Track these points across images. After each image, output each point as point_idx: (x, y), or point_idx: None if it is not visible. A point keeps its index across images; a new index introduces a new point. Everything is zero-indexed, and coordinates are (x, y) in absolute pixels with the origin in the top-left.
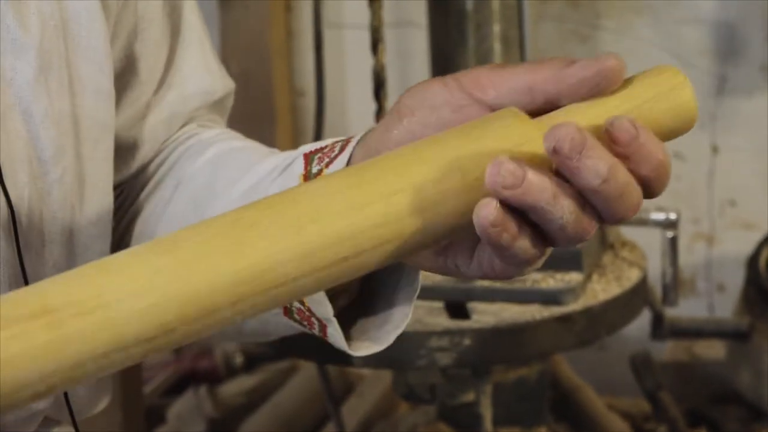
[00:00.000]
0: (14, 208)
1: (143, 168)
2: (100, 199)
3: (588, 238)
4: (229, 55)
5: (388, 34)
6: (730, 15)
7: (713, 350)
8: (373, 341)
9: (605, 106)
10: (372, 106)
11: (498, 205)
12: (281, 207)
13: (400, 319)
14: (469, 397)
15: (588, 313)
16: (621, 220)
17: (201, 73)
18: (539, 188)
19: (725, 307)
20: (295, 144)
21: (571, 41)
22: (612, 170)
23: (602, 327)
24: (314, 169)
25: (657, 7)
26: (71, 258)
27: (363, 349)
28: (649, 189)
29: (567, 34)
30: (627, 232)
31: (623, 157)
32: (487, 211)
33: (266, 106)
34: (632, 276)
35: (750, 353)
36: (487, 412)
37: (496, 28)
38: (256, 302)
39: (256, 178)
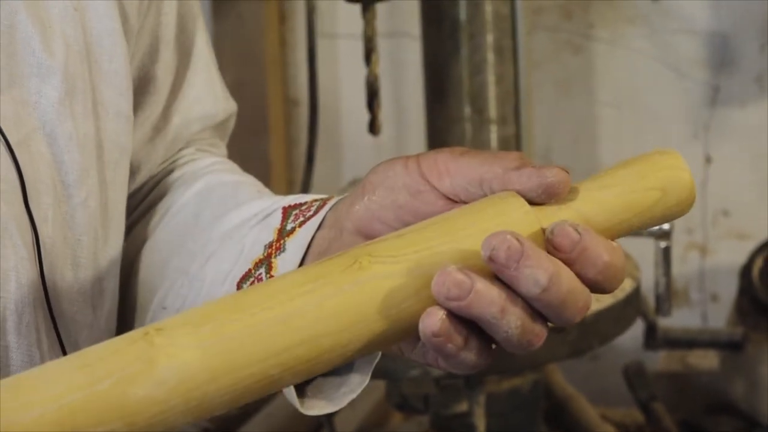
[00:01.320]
0: (38, 231)
1: (137, 190)
2: (119, 223)
3: (538, 345)
4: (223, 64)
5: (382, 44)
6: (724, 26)
7: (707, 360)
8: (328, 401)
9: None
10: (365, 116)
11: (444, 315)
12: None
13: (357, 383)
14: (463, 407)
15: (581, 323)
16: (568, 323)
17: (206, 97)
18: (486, 301)
19: (719, 317)
20: (288, 154)
21: (564, 51)
22: (553, 278)
23: (595, 337)
24: (289, 226)
25: (651, 17)
26: (97, 283)
27: (317, 408)
28: (599, 289)
29: (560, 44)
30: (620, 241)
31: (568, 262)
32: (431, 321)
33: (260, 115)
34: (625, 286)
35: (744, 364)
36: (480, 423)
37: (490, 38)
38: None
39: (237, 220)
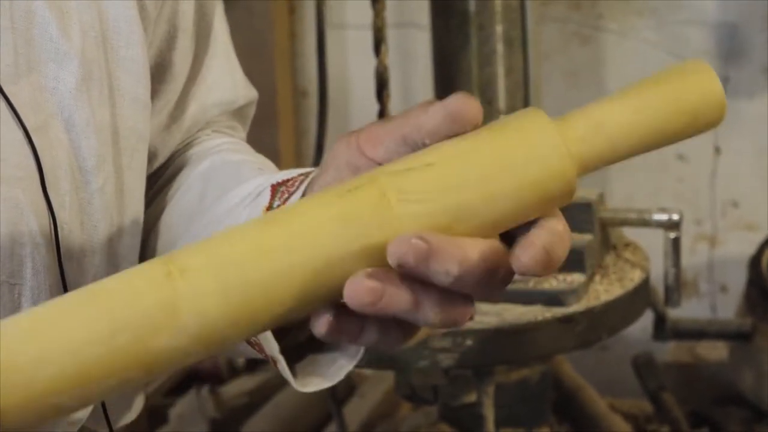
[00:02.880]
0: (56, 217)
1: (154, 172)
2: (136, 209)
3: (466, 321)
4: None
5: (391, 35)
6: (732, 17)
7: (716, 351)
8: (323, 377)
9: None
10: (375, 106)
11: (331, 316)
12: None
13: (353, 354)
14: (471, 398)
15: (590, 314)
16: (491, 298)
17: (225, 83)
18: (398, 300)
19: (728, 308)
20: (297, 145)
21: (573, 42)
22: (463, 264)
23: (604, 328)
24: (276, 204)
25: (659, 8)
26: (111, 269)
27: (312, 385)
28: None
29: (569, 35)
30: (629, 233)
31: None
32: (321, 322)
33: (269, 107)
34: (634, 277)
35: (752, 354)
36: (489, 413)
37: (499, 29)
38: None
39: (236, 199)
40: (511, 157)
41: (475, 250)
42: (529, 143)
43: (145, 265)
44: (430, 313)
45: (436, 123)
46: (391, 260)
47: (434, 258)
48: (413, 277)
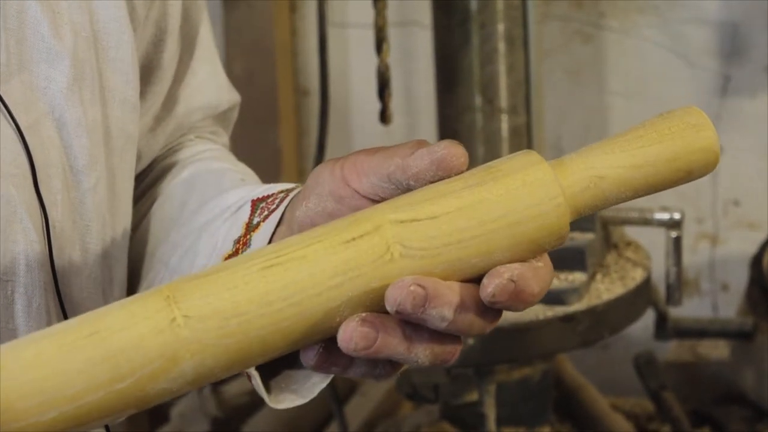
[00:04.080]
0: (48, 215)
1: (138, 175)
2: (126, 210)
3: (453, 359)
4: (233, 54)
5: (393, 34)
6: (734, 15)
7: (717, 350)
8: (296, 394)
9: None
10: (376, 105)
11: (319, 349)
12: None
13: (325, 376)
14: (473, 396)
15: (592, 312)
16: (479, 334)
17: (209, 87)
18: (391, 344)
19: (729, 307)
20: (299, 143)
21: (575, 41)
22: (458, 308)
23: (606, 327)
24: (255, 220)
25: (661, 6)
26: (106, 269)
27: (287, 401)
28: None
29: (571, 33)
30: (631, 231)
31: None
32: (308, 355)
33: (270, 105)
34: (636, 276)
35: (754, 353)
36: (490, 412)
37: (501, 28)
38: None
39: (217, 210)
40: (513, 215)
41: (469, 295)
42: (532, 200)
43: (149, 301)
44: (421, 354)
45: (422, 168)
46: (390, 306)
47: (431, 304)
48: (407, 321)
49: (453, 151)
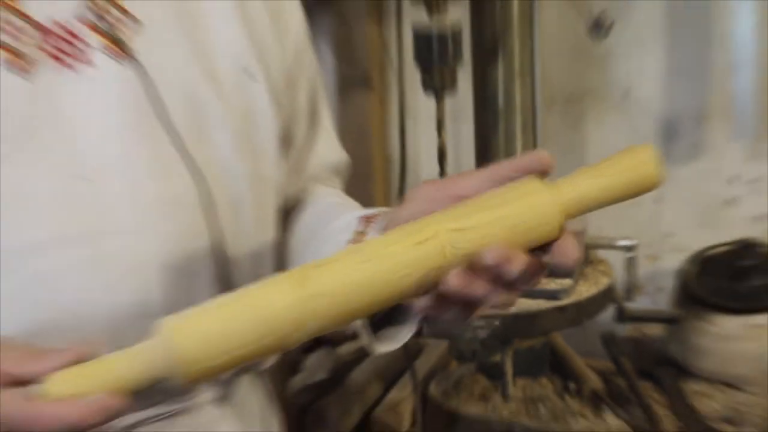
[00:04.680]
0: (221, 237)
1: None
2: (273, 234)
3: (513, 305)
4: (344, 133)
5: (448, 122)
6: (669, 108)
7: (656, 330)
8: (392, 341)
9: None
10: (437, 170)
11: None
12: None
13: (409, 330)
14: (497, 358)
15: (576, 305)
16: (526, 288)
17: (328, 151)
18: (477, 287)
19: (663, 302)
20: (386, 198)
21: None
22: (525, 267)
23: (584, 314)
24: (364, 228)
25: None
26: (257, 275)
27: (383, 347)
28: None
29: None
30: (602, 253)
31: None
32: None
33: (367, 170)
34: (604, 282)
35: (679, 333)
36: (509, 368)
37: (519, 119)
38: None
39: (337, 224)
40: (526, 224)
41: (525, 257)
42: (538, 215)
43: (285, 281)
44: (496, 298)
45: (524, 164)
46: (488, 260)
47: (510, 261)
48: (486, 276)
49: (542, 156)
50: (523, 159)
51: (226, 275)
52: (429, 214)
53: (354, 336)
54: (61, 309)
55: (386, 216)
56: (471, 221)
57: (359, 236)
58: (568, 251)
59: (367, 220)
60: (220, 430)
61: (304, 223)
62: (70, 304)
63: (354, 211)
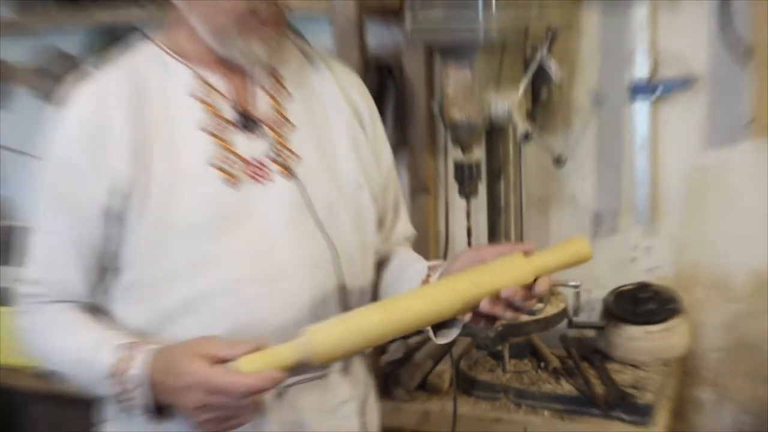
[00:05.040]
0: (344, 281)
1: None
2: (370, 281)
3: (521, 318)
4: (413, 218)
5: (472, 214)
6: (603, 204)
7: (591, 333)
8: (446, 336)
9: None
10: (465, 242)
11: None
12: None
13: (456, 330)
14: (500, 348)
15: (545, 318)
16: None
17: (404, 228)
18: (498, 309)
19: (596, 317)
20: (437, 257)
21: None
22: (525, 298)
23: (550, 324)
24: (430, 274)
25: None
26: (359, 304)
27: (441, 339)
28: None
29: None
30: (560, 288)
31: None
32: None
33: (426, 240)
34: (561, 305)
35: (604, 335)
36: (506, 353)
37: (512, 213)
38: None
39: (417, 269)
40: (513, 281)
41: (523, 293)
42: (520, 275)
43: (379, 306)
44: (509, 315)
45: (519, 246)
46: (504, 294)
47: (515, 294)
48: (502, 303)
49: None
50: (518, 244)
51: (344, 302)
52: (466, 269)
53: (420, 332)
54: (249, 321)
55: (443, 266)
56: (479, 280)
57: (427, 278)
58: (541, 288)
59: (432, 268)
60: (342, 389)
61: (390, 270)
62: (254, 320)
63: (424, 262)
